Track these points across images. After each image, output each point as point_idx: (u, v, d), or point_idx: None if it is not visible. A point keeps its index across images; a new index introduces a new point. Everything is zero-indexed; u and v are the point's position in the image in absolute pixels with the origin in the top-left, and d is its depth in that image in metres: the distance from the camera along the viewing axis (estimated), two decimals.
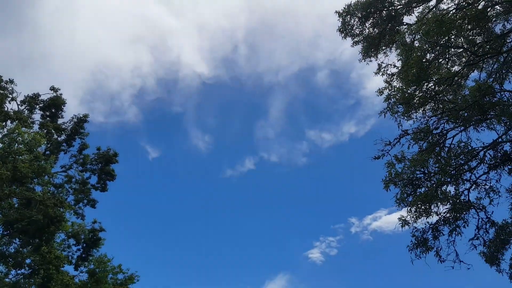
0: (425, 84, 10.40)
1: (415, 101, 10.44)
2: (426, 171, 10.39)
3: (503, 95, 10.34)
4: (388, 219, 74.08)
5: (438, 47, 9.89)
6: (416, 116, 10.89)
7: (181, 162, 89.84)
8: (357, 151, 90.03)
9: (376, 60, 14.43)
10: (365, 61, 13.28)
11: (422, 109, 10.93)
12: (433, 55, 10.50)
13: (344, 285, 77.83)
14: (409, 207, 10.29)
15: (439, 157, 11.51)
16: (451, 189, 10.51)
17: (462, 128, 11.22)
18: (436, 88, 11.13)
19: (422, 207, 10.11)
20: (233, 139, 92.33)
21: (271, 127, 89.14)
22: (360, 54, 13.78)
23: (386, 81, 12.93)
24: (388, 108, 10.47)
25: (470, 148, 10.39)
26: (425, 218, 10.29)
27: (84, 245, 20.87)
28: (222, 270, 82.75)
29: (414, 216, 10.31)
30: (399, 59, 11.06)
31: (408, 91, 10.28)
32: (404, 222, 10.31)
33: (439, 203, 10.16)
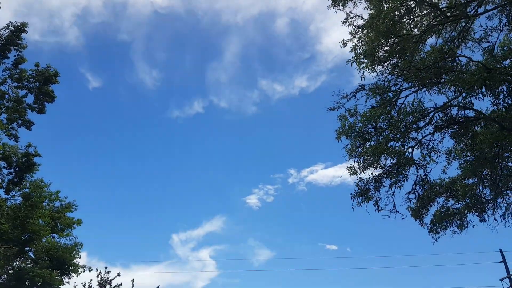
0: (392, 39, 10.30)
1: (380, 54, 10.38)
2: (377, 126, 10.65)
3: (459, 61, 10.61)
4: (324, 173, 77.88)
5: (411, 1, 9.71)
6: (378, 70, 10.90)
7: (124, 96, 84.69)
8: (306, 106, 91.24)
9: (344, 10, 13.96)
10: (333, 8, 12.75)
11: (386, 64, 10.93)
12: (404, 9, 10.28)
13: (277, 229, 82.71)
14: (358, 158, 10.65)
15: (389, 115, 11.83)
16: (397, 145, 10.95)
17: (416, 88, 11.48)
18: (400, 46, 11.09)
19: (371, 159, 10.47)
20: (183, 78, 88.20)
21: (223, 70, 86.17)
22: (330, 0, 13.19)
23: (351, 33, 12.66)
24: (355, 58, 10.33)
25: (421, 108, 10.72)
26: (372, 169, 10.77)
27: (17, 169, 19.36)
28: (160, 207, 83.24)
29: (362, 167, 10.73)
30: (371, 9, 10.74)
31: (375, 43, 10.14)
32: (353, 171, 10.72)
33: (385, 157, 10.58)
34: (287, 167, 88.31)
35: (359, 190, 11.01)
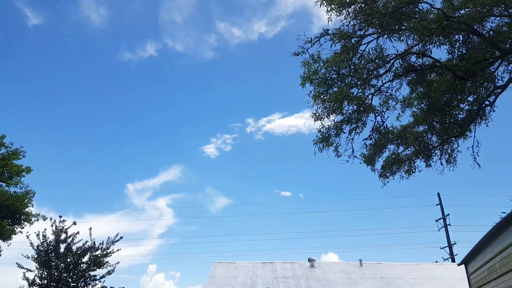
0: None
1: None
2: (339, 73, 10.52)
3: (422, 7, 10.51)
4: (281, 123, 78.63)
5: None
6: (344, 14, 10.53)
7: (68, 35, 77.09)
8: (265, 53, 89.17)
9: None
10: None
11: (351, 9, 10.57)
12: None
13: (234, 178, 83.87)
14: (322, 104, 10.58)
15: (350, 62, 11.73)
16: (359, 92, 10.97)
17: (378, 35, 11.35)
18: None
19: (334, 105, 10.43)
20: (134, 17, 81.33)
21: (178, 10, 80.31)
22: None
23: None
24: None
25: (382, 55, 10.66)
26: (334, 115, 10.79)
27: None
28: (114, 156, 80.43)
29: (326, 113, 10.71)
30: None
31: None
32: (317, 117, 10.67)
33: (348, 104, 10.59)
34: (245, 116, 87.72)
35: (321, 136, 11.07)
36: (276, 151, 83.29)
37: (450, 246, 34.93)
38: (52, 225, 14.07)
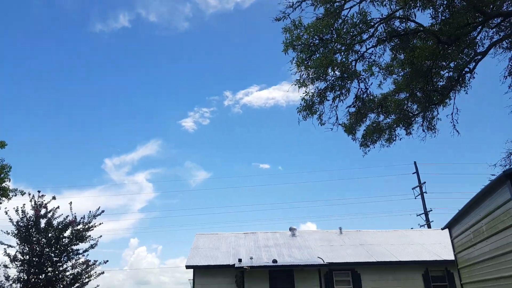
0: None
1: None
2: (323, 38, 10.25)
3: None
4: (259, 95, 77.92)
5: None
6: None
7: (35, 5, 73.09)
8: (241, 23, 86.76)
9: None
10: None
11: None
12: None
13: (213, 151, 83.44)
14: (306, 71, 10.34)
15: (333, 28, 11.45)
16: (342, 58, 10.76)
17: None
18: None
19: (319, 71, 10.20)
20: None
21: None
22: None
23: None
24: None
25: (366, 19, 10.42)
26: (318, 82, 10.59)
27: None
28: (90, 131, 78.39)
29: (310, 79, 10.49)
30: None
31: None
32: (301, 84, 10.44)
33: (332, 69, 10.39)
34: (223, 89, 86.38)
35: (304, 104, 10.90)
36: (254, 124, 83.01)
37: (426, 213, 36.17)
38: (31, 200, 13.65)
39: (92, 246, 13.97)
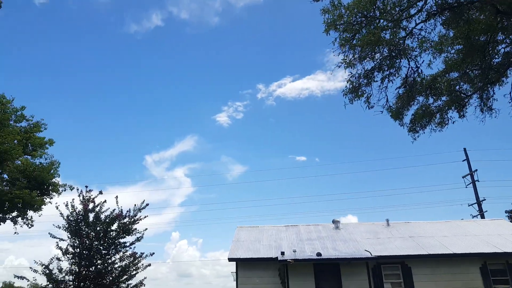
0: None
1: None
2: (367, 15, 9.54)
3: None
4: (292, 86, 76.36)
5: None
6: None
7: (73, 10, 75.92)
8: (272, 14, 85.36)
9: None
10: None
11: None
12: None
13: (248, 145, 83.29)
14: (353, 50, 9.68)
15: (375, 6, 10.66)
16: (389, 35, 9.98)
17: None
18: None
19: (366, 48, 9.50)
20: None
21: None
22: None
23: None
24: None
25: None
26: (366, 61, 9.87)
27: None
28: (130, 129, 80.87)
29: (358, 58, 9.82)
30: None
31: None
32: (348, 64, 9.80)
33: (380, 48, 9.64)
34: (255, 82, 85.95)
35: (351, 86, 10.23)
36: (289, 116, 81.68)
37: (478, 202, 33.93)
38: (79, 195, 14.05)
39: (138, 239, 14.15)
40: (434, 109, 14.09)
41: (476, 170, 34.75)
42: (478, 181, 34.49)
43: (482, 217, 32.32)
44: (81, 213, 13.76)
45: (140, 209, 14.29)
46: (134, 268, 13.60)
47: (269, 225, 22.58)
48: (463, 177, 36.03)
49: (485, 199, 34.06)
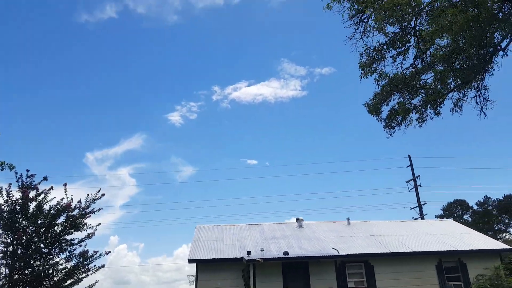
0: None
1: None
2: None
3: None
4: (247, 91, 76.04)
5: None
6: None
7: None
8: (231, 18, 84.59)
9: None
10: None
11: None
12: None
13: (200, 146, 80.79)
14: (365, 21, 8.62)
15: None
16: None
17: None
18: None
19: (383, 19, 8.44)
20: None
21: None
22: None
23: None
24: None
25: None
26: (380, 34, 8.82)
27: None
28: (71, 123, 74.05)
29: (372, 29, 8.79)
30: None
31: None
32: (369, 28, 8.69)
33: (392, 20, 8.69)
34: (211, 84, 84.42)
35: (367, 61, 9.23)
36: (242, 120, 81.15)
37: (420, 206, 35.45)
38: (17, 181, 11.32)
39: (89, 236, 11.77)
40: (410, 106, 13.79)
41: (419, 175, 36.33)
42: (421, 186, 36.07)
43: (423, 219, 33.68)
44: (18, 201, 11.07)
45: (95, 200, 11.96)
46: (84, 270, 11.24)
47: (230, 223, 20.97)
48: (406, 182, 37.54)
49: (426, 203, 35.74)
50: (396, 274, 17.25)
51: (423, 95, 13.81)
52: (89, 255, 11.22)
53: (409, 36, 8.72)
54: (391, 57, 9.62)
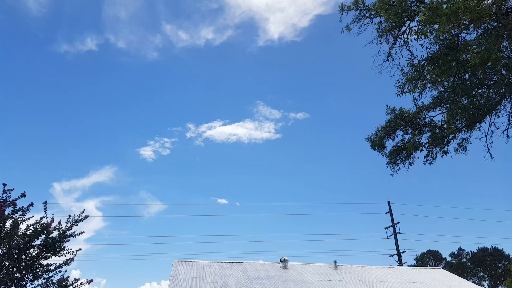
0: None
1: None
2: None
3: None
4: (222, 130, 77.26)
5: None
6: None
7: (3, 22, 68.30)
8: (210, 59, 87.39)
9: None
10: None
11: None
12: None
13: (171, 182, 79.66)
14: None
15: None
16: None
17: None
18: None
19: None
20: (76, 8, 74.80)
21: (124, 6, 75.81)
22: None
23: None
24: None
25: None
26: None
27: None
28: (39, 152, 71.67)
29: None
30: None
31: None
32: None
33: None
34: (186, 121, 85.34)
35: (410, 75, 9.39)
36: (216, 158, 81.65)
37: (399, 253, 35.72)
38: None
39: (67, 262, 10.90)
40: (415, 143, 14.29)
41: (399, 222, 36.94)
42: (400, 233, 36.59)
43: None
44: None
45: (77, 222, 11.22)
46: None
47: (211, 260, 20.16)
48: (385, 228, 37.99)
49: (405, 251, 36.10)
50: None
51: (429, 133, 14.41)
52: (68, 284, 10.30)
53: (448, 57, 9.03)
54: (429, 74, 9.92)
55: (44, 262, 10.64)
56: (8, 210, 10.42)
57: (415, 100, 10.47)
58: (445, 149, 14.00)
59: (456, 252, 57.44)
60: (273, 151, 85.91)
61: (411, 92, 10.07)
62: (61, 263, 10.78)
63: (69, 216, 11.27)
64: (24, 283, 10.13)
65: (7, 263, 10.02)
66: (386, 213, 38.32)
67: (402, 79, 9.65)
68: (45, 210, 10.95)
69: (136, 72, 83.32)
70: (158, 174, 79.23)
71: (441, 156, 13.37)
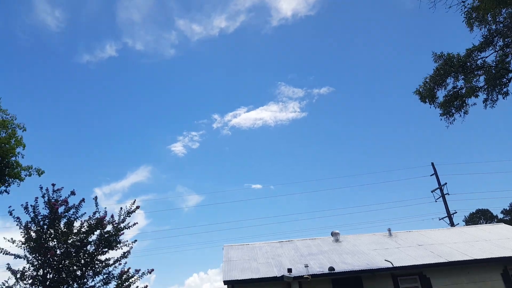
0: None
1: None
2: None
3: None
4: (246, 116, 77.65)
5: None
6: None
7: (24, 39, 70.48)
8: (226, 48, 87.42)
9: None
10: None
11: None
12: None
13: (204, 174, 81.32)
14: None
15: None
16: None
17: None
18: None
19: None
20: (91, 17, 76.15)
21: (136, 9, 76.44)
22: None
23: None
24: None
25: None
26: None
27: None
28: (78, 161, 74.67)
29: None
30: None
31: None
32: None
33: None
34: (211, 113, 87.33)
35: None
36: (244, 145, 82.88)
37: (449, 216, 34.87)
38: (43, 196, 10.60)
39: (125, 255, 10.99)
40: (472, 87, 13.53)
41: (446, 183, 35.89)
42: (448, 195, 35.61)
43: None
44: (46, 219, 10.32)
45: (130, 213, 11.28)
46: None
47: (261, 242, 20.18)
48: (432, 192, 37.08)
49: (456, 212, 35.19)
50: (456, 286, 16.52)
51: (483, 76, 13.62)
52: (129, 275, 10.39)
53: None
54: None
55: (102, 257, 10.77)
56: (61, 210, 10.52)
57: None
58: (504, 89, 13.18)
59: (508, 208, 55.62)
60: (301, 130, 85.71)
61: (483, 14, 9.35)
62: (119, 256, 10.88)
63: (121, 208, 11.37)
64: (85, 280, 10.30)
65: (67, 262, 10.18)
66: (431, 175, 37.38)
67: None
68: (96, 205, 11.04)
69: (157, 71, 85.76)
70: (191, 168, 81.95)
71: (503, 98, 12.58)
